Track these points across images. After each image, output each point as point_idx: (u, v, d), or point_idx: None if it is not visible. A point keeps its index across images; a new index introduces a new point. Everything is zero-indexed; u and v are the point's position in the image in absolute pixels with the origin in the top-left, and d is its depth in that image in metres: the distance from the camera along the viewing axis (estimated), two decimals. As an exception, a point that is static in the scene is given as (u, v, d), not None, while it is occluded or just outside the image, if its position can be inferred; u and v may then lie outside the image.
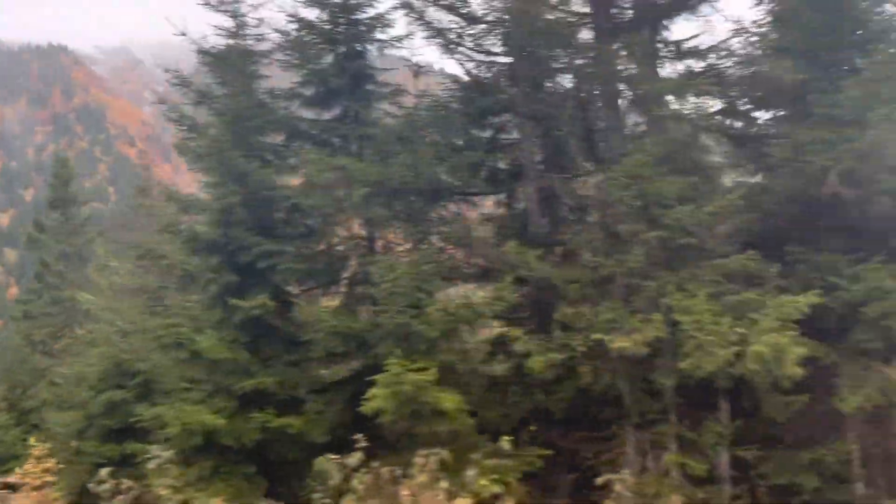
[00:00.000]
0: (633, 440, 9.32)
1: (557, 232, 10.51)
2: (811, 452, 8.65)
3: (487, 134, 12.11)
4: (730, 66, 10.66)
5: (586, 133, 10.66)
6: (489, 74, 11.51)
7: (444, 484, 7.96)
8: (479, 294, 9.78)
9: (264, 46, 12.19)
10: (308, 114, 13.02)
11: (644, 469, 9.01)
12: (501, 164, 12.11)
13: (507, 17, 10.88)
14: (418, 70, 11.28)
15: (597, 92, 10.29)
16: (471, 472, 8.30)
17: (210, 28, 12.03)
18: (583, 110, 10.60)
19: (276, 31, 12.36)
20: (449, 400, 8.47)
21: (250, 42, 11.99)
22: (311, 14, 12.45)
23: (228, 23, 11.99)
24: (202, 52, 11.90)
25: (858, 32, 10.27)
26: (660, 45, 11.20)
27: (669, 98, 8.93)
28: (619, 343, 8.25)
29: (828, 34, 10.33)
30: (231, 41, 11.91)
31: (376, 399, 8.51)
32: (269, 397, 10.93)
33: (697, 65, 10.89)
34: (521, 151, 11.62)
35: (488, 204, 12.30)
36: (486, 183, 12.16)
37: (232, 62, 11.66)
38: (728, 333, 7.95)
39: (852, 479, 9.00)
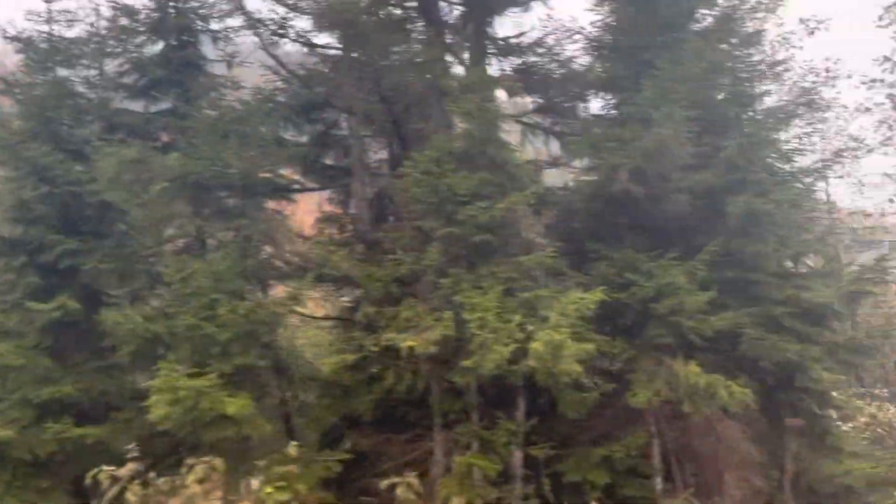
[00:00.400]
0: (440, 441, 9.17)
1: (384, 229, 10.27)
2: (604, 449, 8.69)
3: (318, 129, 11.82)
4: (550, 63, 10.69)
5: (412, 129, 10.45)
6: (316, 68, 11.17)
7: (218, 493, 7.57)
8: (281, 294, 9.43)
9: (79, 33, 11.49)
10: (136, 105, 12.41)
11: (448, 470, 8.87)
12: (332, 161, 11.84)
13: (332, 8, 10.55)
14: (231, 61, 10.83)
15: (423, 88, 10.06)
16: (256, 480, 7.92)
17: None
18: (410, 106, 10.37)
19: (97, 16, 11.71)
20: (235, 405, 8.08)
21: (62, 27, 11.27)
22: (136, 1, 11.85)
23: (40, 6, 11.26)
24: (7, 38, 11.11)
25: (674, 34, 10.44)
26: (487, 42, 11.12)
27: (474, 93, 8.77)
28: (408, 342, 8.05)
29: (644, 34, 10.50)
30: (41, 26, 11.17)
31: (156, 406, 8.02)
32: (74, 406, 10.31)
33: (522, 61, 10.88)
34: (349, 147, 11.37)
35: (321, 200, 11.98)
36: (316, 179, 11.87)
37: (38, 48, 10.91)
38: (513, 331, 7.87)
39: (651, 474, 9.11)
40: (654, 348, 8.87)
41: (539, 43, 10.74)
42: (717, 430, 9.28)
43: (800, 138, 10.76)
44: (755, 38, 10.93)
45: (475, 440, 8.77)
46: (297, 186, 11.32)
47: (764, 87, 11.00)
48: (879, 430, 12.23)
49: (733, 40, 10.53)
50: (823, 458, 9.63)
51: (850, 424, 12.43)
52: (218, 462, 7.71)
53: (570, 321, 7.94)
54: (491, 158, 8.63)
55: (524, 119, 11.35)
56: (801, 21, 21.14)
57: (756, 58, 10.90)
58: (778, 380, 9.58)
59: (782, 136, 10.54)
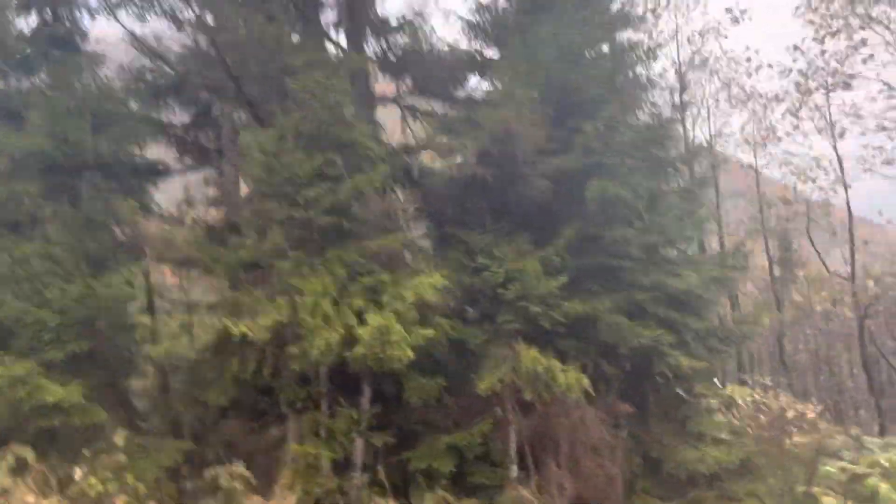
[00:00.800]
0: (293, 429, 8.93)
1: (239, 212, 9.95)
2: (450, 436, 8.53)
3: (195, 109, 11.47)
4: (424, 44, 10.46)
5: (267, 109, 10.10)
6: (188, 48, 10.78)
7: (29, 485, 7.26)
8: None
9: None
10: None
11: (295, 458, 8.63)
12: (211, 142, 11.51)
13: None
14: (83, 35, 10.43)
15: (272, 66, 9.67)
16: (79, 470, 7.63)
17: None
18: (262, 85, 10.00)
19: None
20: (58, 393, 7.74)
21: None
22: (2, -27, 11.32)
23: None
24: None
25: (549, 16, 10.19)
26: (365, 22, 10.84)
27: (320, 72, 8.47)
28: (240, 328, 7.79)
29: (521, 15, 10.29)
30: None
31: (-27, 394, 7.67)
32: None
33: (398, 41, 10.64)
34: (220, 128, 11.06)
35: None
36: (193, 159, 11.53)
37: None
38: (347, 316, 7.65)
39: (504, 461, 8.98)
40: (505, 334, 8.72)
41: (415, 24, 10.47)
42: (574, 416, 9.17)
43: (670, 123, 10.64)
44: (631, 21, 10.78)
45: (323, 428, 8.55)
46: (162, 167, 10.94)
47: (640, 71, 10.89)
48: (762, 416, 12.24)
49: (606, 22, 10.34)
50: (684, 445, 9.59)
51: (735, 411, 12.49)
52: (27, 452, 7.40)
53: (406, 305, 7.75)
54: (337, 139, 8.36)
55: (403, 101, 11.11)
56: (727, 11, 21.26)
57: (632, 41, 10.77)
58: (636, 365, 9.52)
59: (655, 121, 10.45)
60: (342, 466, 8.40)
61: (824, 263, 17.40)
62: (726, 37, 21.76)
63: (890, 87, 16.70)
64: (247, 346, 8.52)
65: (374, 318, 7.40)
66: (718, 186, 22.29)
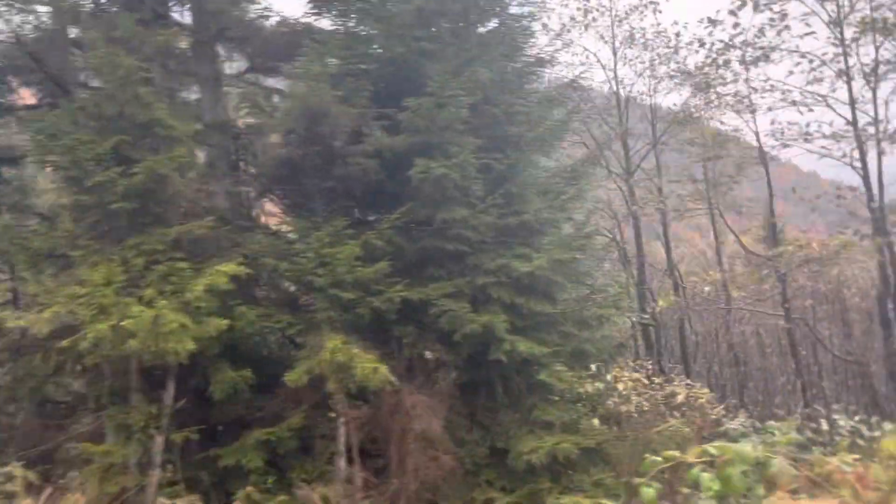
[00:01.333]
0: (102, 425, 8.54)
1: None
2: (261, 431, 8.12)
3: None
4: (261, 20, 9.93)
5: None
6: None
7: None
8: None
9: None
10: None
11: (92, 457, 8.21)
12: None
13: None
14: None
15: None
16: None
17: None
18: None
19: None
20: None
21: None
22: None
23: None
24: None
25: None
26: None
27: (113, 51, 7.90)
28: (20, 321, 7.37)
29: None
30: None
31: None
32: None
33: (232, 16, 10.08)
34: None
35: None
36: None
37: None
38: (125, 307, 7.21)
39: (332, 455, 8.58)
40: (322, 323, 8.29)
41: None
42: (407, 406, 8.77)
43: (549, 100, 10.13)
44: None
45: (127, 425, 8.14)
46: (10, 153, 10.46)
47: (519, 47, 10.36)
48: (645, 403, 11.89)
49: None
50: (529, 434, 9.19)
51: (616, 397, 12.11)
52: None
53: (196, 294, 7.33)
54: (131, 119, 7.88)
55: (250, 79, 10.60)
56: (662, -16, 20.68)
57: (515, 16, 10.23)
58: (481, 353, 9.11)
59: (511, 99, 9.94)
60: (146, 464, 8.02)
61: (741, 241, 16.95)
62: (661, 11, 21.31)
63: (810, 60, 16.13)
64: (49, 340, 8.14)
65: (147, 310, 6.97)
66: (660, 164, 21.94)
